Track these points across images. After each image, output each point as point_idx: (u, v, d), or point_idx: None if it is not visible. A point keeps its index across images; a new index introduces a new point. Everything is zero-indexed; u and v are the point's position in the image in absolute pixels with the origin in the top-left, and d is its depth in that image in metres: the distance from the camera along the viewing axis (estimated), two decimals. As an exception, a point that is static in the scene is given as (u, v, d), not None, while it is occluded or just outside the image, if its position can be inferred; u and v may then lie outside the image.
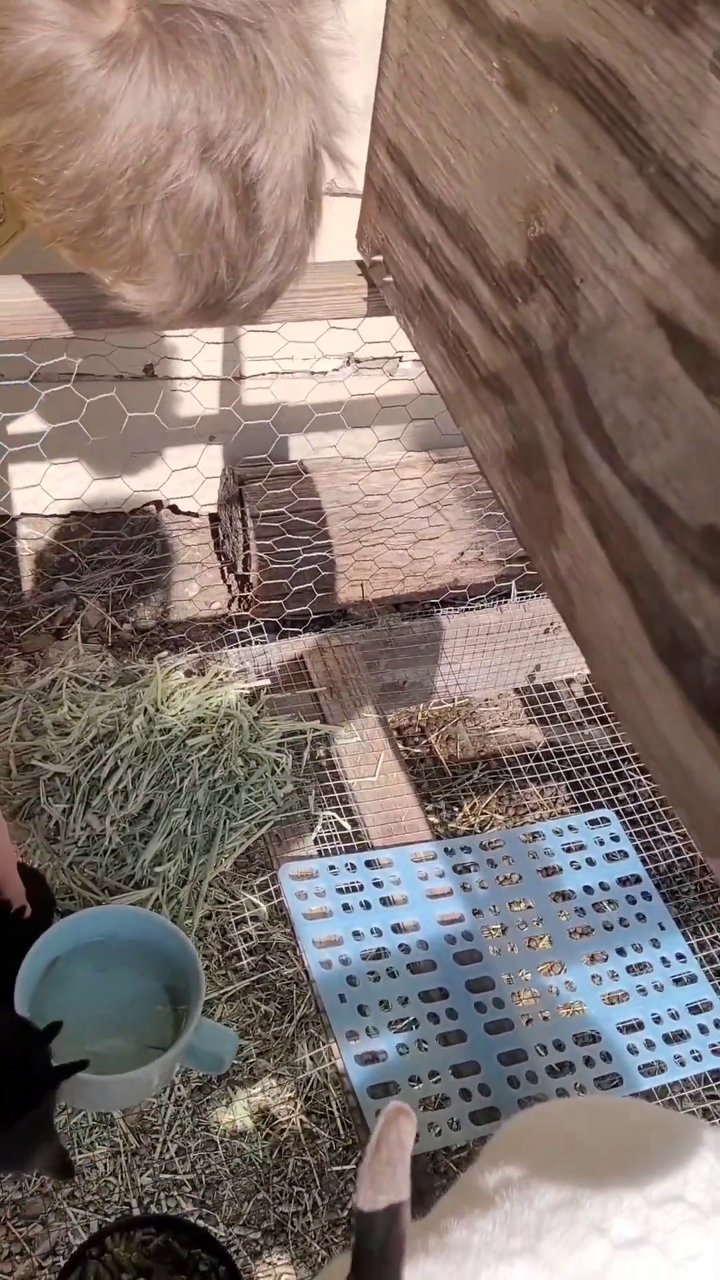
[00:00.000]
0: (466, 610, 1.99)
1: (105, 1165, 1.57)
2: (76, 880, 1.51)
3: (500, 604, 2.02)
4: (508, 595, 2.05)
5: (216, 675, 1.72)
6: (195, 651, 1.84)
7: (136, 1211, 1.48)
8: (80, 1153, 1.59)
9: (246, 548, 2.24)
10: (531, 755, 2.05)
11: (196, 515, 2.53)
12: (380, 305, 1.27)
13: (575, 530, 0.91)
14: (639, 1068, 1.47)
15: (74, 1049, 1.32)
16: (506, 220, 0.93)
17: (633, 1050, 1.48)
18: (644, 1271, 0.97)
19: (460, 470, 2.31)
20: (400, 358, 2.36)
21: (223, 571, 2.46)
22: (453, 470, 2.31)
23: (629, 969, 1.59)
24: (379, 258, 1.21)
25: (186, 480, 2.14)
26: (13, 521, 2.40)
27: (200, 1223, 1.35)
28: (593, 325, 0.84)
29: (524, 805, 2.13)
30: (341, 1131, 1.64)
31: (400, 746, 1.87)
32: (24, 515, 2.40)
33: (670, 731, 0.82)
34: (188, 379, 2.22)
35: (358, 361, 2.35)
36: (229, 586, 2.43)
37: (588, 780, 1.94)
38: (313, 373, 2.34)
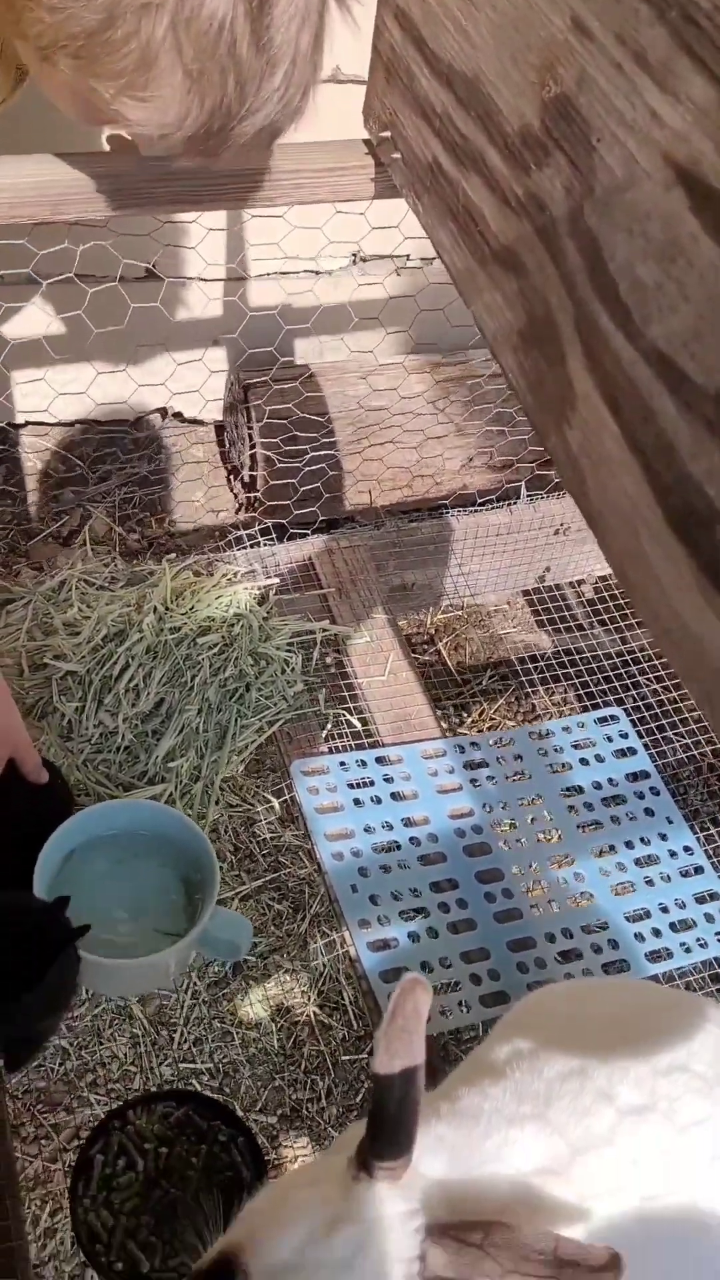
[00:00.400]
0: (475, 511, 1.97)
1: (125, 1055, 1.61)
2: (91, 777, 1.53)
3: (510, 505, 2.00)
4: (517, 496, 2.03)
5: (225, 576, 1.72)
6: (204, 554, 1.83)
7: (158, 1095, 1.52)
8: (101, 1044, 1.63)
9: (252, 453, 2.22)
10: (540, 660, 2.05)
11: (202, 423, 2.50)
12: (388, 186, 1.23)
13: (588, 405, 0.90)
14: (646, 954, 1.50)
15: (90, 938, 1.35)
16: (520, 81, 0.90)
17: (640, 938, 1.51)
18: (649, 1136, 0.99)
19: (468, 373, 2.27)
20: (408, 256, 2.31)
21: (229, 479, 2.44)
22: (460, 373, 2.27)
23: (637, 861, 1.61)
24: (386, 133, 1.17)
25: (190, 387, 2.12)
26: (17, 430, 2.38)
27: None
28: (609, 187, 0.82)
29: (533, 709, 2.14)
30: (354, 1023, 1.68)
31: (412, 656, 1.87)
32: (28, 424, 2.37)
33: (682, 604, 0.82)
34: (191, 278, 2.18)
35: (364, 259, 2.30)
36: (235, 494, 2.41)
37: (597, 682, 1.95)
38: (317, 272, 2.29)
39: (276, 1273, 0.83)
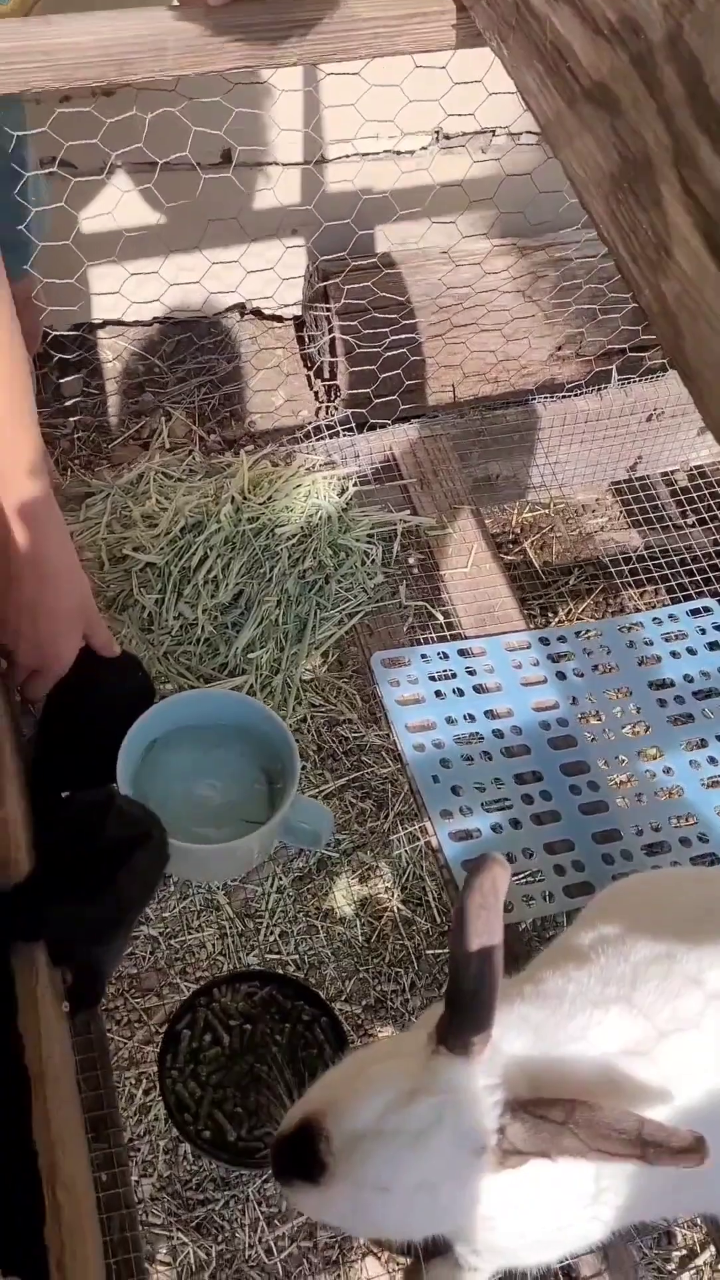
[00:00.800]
0: (563, 398, 1.90)
1: (213, 945, 1.64)
2: (172, 669, 1.53)
3: (600, 390, 1.92)
4: (608, 382, 1.94)
5: (303, 466, 1.69)
6: (281, 444, 1.80)
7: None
8: (189, 933, 1.67)
9: (333, 346, 2.16)
10: (631, 558, 1.98)
11: (280, 319, 2.44)
12: (470, 34, 1.16)
13: (686, 250, 0.83)
14: (736, 848, 1.46)
15: (175, 826, 1.36)
16: None
17: (730, 832, 1.47)
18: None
19: (554, 256, 2.17)
20: (493, 132, 2.20)
21: (309, 379, 2.40)
22: (547, 256, 2.17)
23: (728, 755, 1.57)
24: (468, -29, 1.09)
25: (268, 281, 2.06)
26: (95, 330, 2.36)
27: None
28: (713, -3, 0.74)
29: (623, 609, 2.08)
30: (438, 918, 1.68)
31: (496, 551, 1.82)
32: (105, 324, 2.35)
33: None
34: (267, 163, 2.11)
35: (446, 137, 2.20)
36: (315, 394, 2.37)
37: (695, 583, 1.87)
38: (398, 152, 2.20)
39: (357, 1138, 0.85)
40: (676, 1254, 1.45)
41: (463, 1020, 0.85)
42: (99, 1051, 1.31)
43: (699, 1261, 1.43)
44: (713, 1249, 1.41)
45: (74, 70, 1.09)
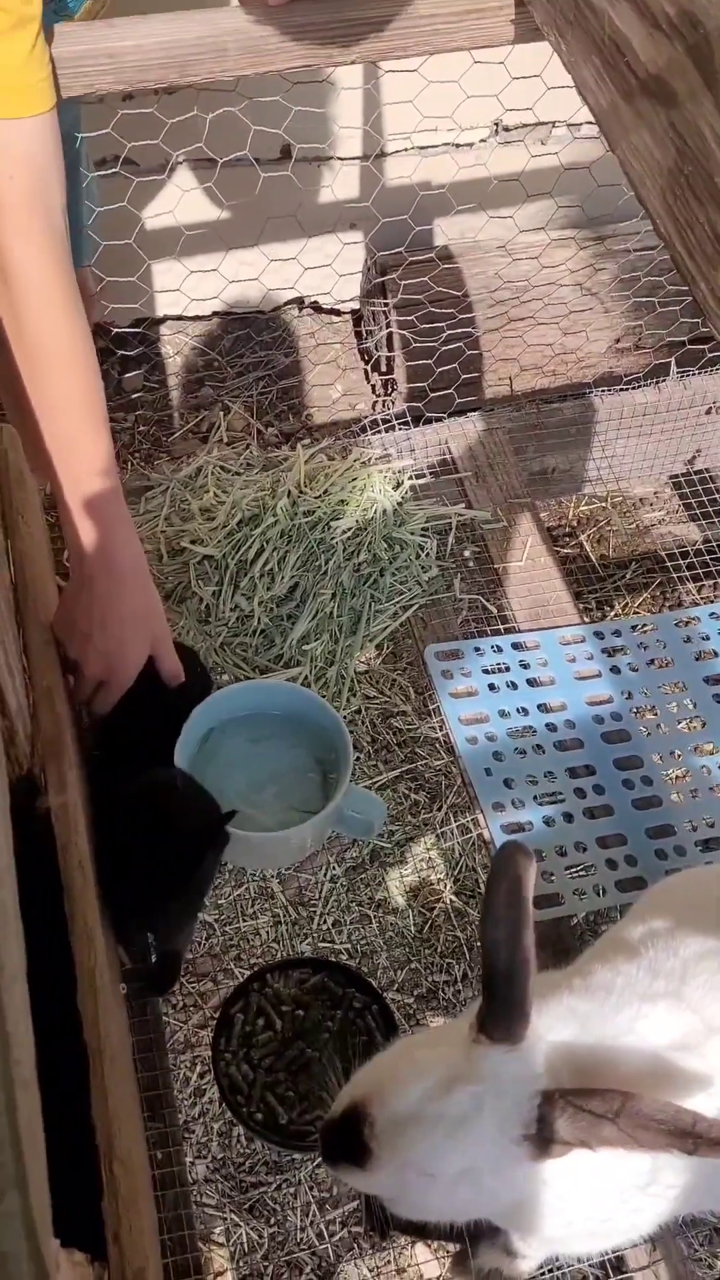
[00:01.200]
0: (621, 390, 1.88)
1: (267, 933, 1.67)
2: (228, 660, 1.55)
3: (658, 382, 1.90)
4: (666, 374, 1.93)
5: (358, 460, 1.70)
6: (338, 438, 1.81)
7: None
8: (244, 920, 1.69)
9: (389, 341, 2.17)
10: (689, 552, 1.97)
11: (338, 313, 2.46)
12: (528, 29, 1.16)
13: (743, 245, 0.83)
14: None
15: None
16: None
17: (785, 829, 1.46)
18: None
19: (613, 249, 2.15)
20: (553, 124, 2.19)
21: (366, 373, 2.41)
22: (606, 247, 2.16)
23: (785, 752, 1.55)
24: (527, -34, 1.09)
25: (326, 276, 2.08)
26: (156, 325, 2.39)
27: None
28: (771, -11, 0.74)
29: (679, 604, 2.06)
30: (489, 910, 1.69)
31: (551, 545, 1.82)
32: (166, 319, 2.38)
33: None
34: (326, 157, 2.12)
35: (505, 129, 2.19)
36: (373, 388, 2.38)
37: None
38: (457, 145, 2.20)
39: (399, 1123, 0.86)
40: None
41: (499, 1007, 0.86)
42: (155, 1034, 1.34)
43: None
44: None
45: (137, 73, 1.11)
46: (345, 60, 1.15)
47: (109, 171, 1.55)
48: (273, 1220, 1.47)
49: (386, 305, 2.15)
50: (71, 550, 1.16)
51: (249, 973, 1.44)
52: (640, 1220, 1.00)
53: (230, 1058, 1.26)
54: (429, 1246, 1.42)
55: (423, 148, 2.17)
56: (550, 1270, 1.27)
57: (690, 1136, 0.79)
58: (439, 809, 1.74)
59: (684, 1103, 0.83)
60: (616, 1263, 1.24)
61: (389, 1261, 1.46)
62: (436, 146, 2.18)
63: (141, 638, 1.20)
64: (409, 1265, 1.44)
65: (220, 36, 1.10)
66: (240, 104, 1.37)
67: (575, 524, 2.26)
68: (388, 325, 2.15)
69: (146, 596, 1.20)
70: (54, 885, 1.09)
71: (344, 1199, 1.48)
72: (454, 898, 1.70)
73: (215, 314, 2.38)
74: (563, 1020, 0.93)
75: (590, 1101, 0.82)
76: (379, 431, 1.84)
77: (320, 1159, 1.02)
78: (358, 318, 2.42)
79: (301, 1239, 1.47)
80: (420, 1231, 1.06)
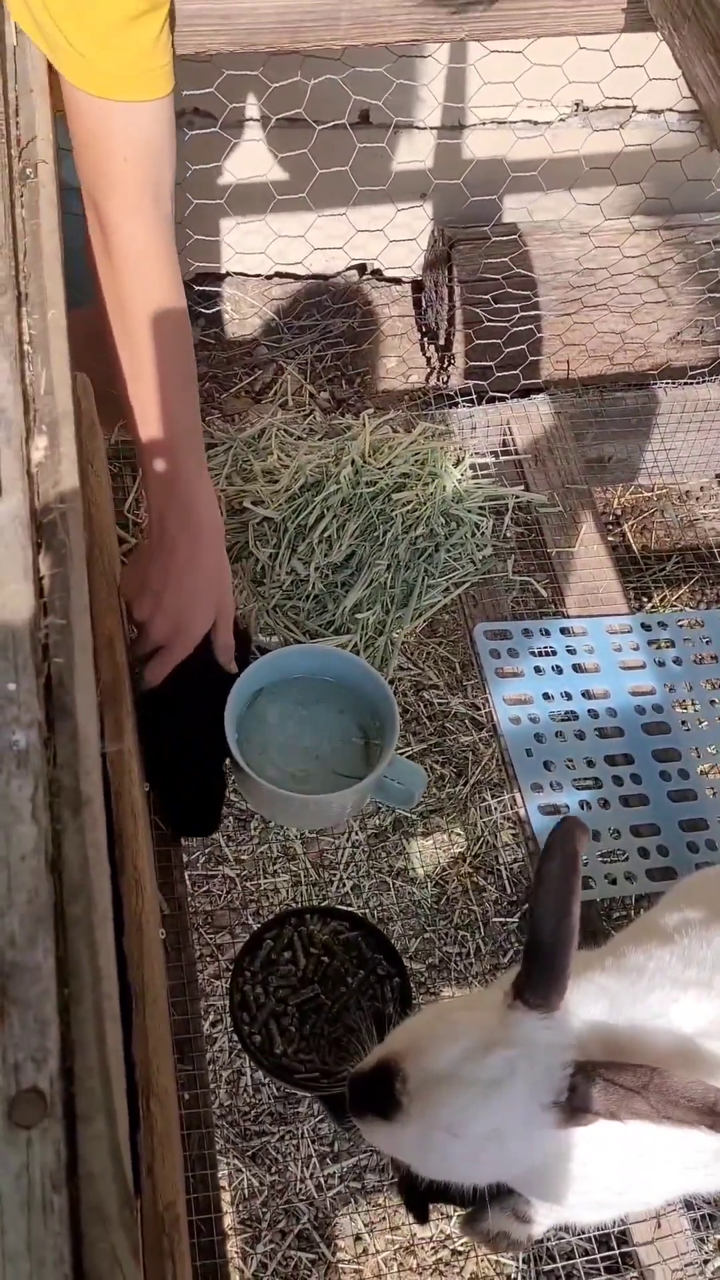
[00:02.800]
0: (685, 385, 1.89)
1: (286, 891, 1.70)
2: (280, 622, 1.58)
3: (722, 380, 1.91)
4: (731, 372, 1.93)
5: (423, 433, 1.71)
6: (403, 410, 1.82)
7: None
8: (265, 878, 1.73)
9: (451, 315, 2.17)
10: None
11: (400, 282, 2.45)
12: (640, 18, 1.16)
13: None
14: None
15: (275, 771, 1.41)
16: None
17: None
18: None
19: (688, 240, 2.15)
20: (634, 107, 2.18)
21: (423, 344, 2.41)
22: (680, 239, 2.15)
23: None
24: (646, -44, 1.09)
25: (393, 244, 2.07)
26: (218, 281, 2.39)
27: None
28: None
29: (719, 600, 2.07)
30: (508, 888, 1.72)
31: (605, 533, 1.83)
32: (228, 274, 2.38)
33: None
34: (406, 125, 2.11)
35: (586, 110, 2.18)
36: (428, 359, 2.38)
37: None
38: (536, 123, 2.18)
39: (432, 1081, 0.89)
40: (717, 1236, 1.49)
41: (539, 975, 0.88)
42: (187, 979, 1.38)
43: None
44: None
45: (249, 35, 1.12)
46: (455, 37, 1.15)
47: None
48: (274, 1169, 1.51)
49: (450, 279, 2.15)
50: (154, 509, 1.16)
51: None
52: (651, 1194, 1.03)
53: (250, 976, 1.29)
54: (438, 1212, 1.46)
55: (500, 122, 2.16)
56: (558, 1238, 1.31)
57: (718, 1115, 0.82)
58: (465, 785, 1.76)
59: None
60: (621, 1236, 1.28)
61: (384, 1218, 1.50)
62: (513, 123, 2.16)
63: (210, 602, 1.20)
64: (403, 1223, 1.48)
65: (334, 6, 1.10)
66: (343, 73, 1.37)
67: (620, 513, 2.27)
68: (450, 299, 2.15)
69: (221, 562, 1.20)
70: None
71: (344, 1155, 1.53)
72: (473, 873, 1.73)
73: (277, 274, 2.39)
74: (593, 997, 0.95)
75: (622, 1074, 0.84)
76: (444, 407, 1.85)
77: (318, 1107, 1.04)
78: (418, 288, 2.42)
79: (300, 1189, 1.52)
80: (442, 1195, 1.09)
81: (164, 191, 1.04)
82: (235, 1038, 1.35)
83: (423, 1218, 1.09)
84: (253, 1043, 1.25)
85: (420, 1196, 1.07)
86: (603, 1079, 0.85)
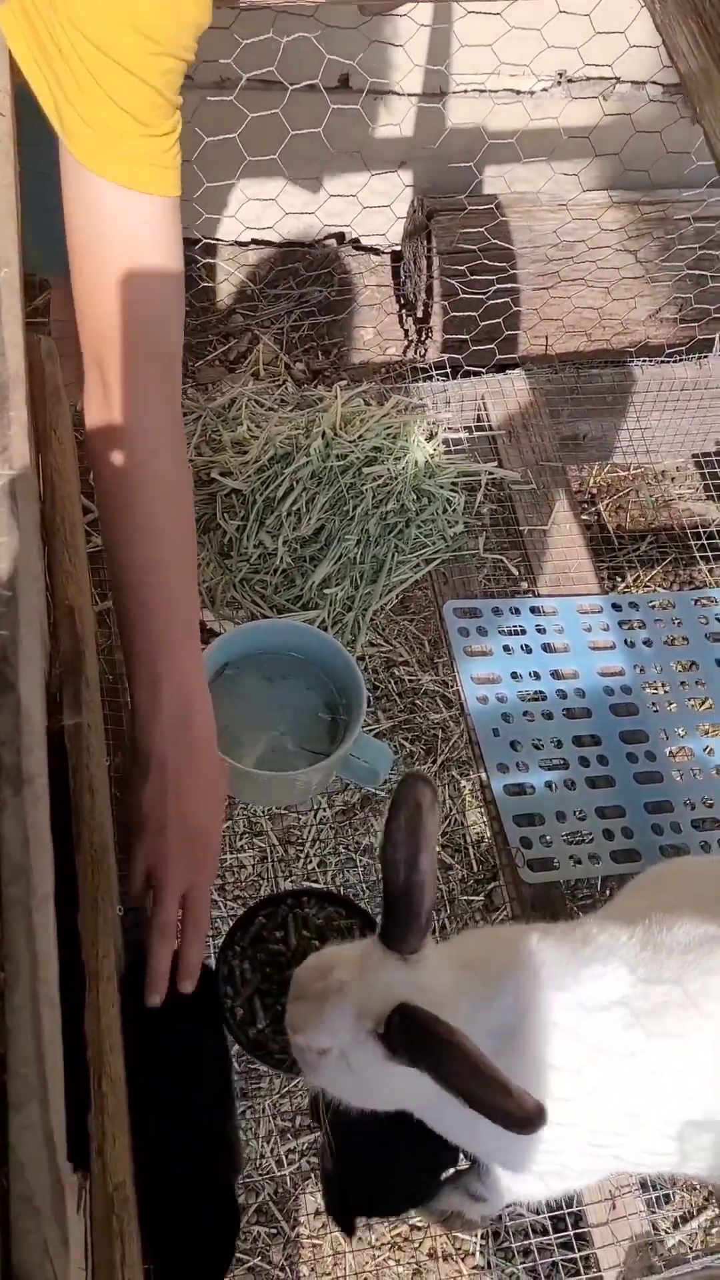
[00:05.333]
0: (662, 363, 1.87)
1: (253, 867, 1.69)
2: (247, 596, 1.55)
3: (700, 359, 1.89)
4: (709, 350, 1.91)
5: (395, 407, 1.69)
6: (375, 383, 1.79)
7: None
8: (232, 853, 1.71)
9: (429, 286, 2.14)
10: (706, 532, 1.97)
11: (379, 252, 2.42)
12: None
13: None
14: (786, 833, 1.47)
15: (240, 747, 1.40)
16: None
17: (783, 816, 1.48)
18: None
19: (667, 215, 2.12)
20: (617, 78, 2.14)
21: (400, 316, 2.37)
22: (660, 214, 2.12)
23: (789, 740, 1.57)
24: None
25: (371, 212, 2.03)
26: (191, 246, 2.35)
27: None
28: None
29: (692, 582, 2.06)
30: (474, 865, 1.71)
31: (579, 512, 1.81)
32: (202, 240, 2.34)
33: None
34: (384, 91, 2.07)
35: (569, 80, 2.14)
36: (406, 332, 2.35)
37: (766, 563, 1.85)
38: (518, 91, 2.15)
39: (290, 1000, 0.96)
40: (673, 1214, 1.50)
41: (394, 919, 0.91)
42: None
43: (693, 1225, 1.47)
44: (710, 1213, 1.45)
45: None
46: (432, -4, 1.11)
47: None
48: (234, 1144, 1.51)
49: (429, 250, 2.12)
50: (141, 722, 1.01)
51: (232, 905, 1.45)
52: (597, 1166, 1.03)
53: (239, 950, 1.27)
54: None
55: (481, 91, 2.12)
56: (516, 1217, 1.32)
57: (499, 1091, 0.80)
58: (434, 762, 1.75)
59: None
60: (575, 1219, 1.28)
61: (347, 1193, 1.50)
62: (496, 92, 2.13)
63: (221, 807, 1.06)
64: (365, 1199, 1.49)
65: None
66: (316, 30, 1.34)
67: (595, 492, 2.25)
68: (429, 271, 2.11)
69: (218, 768, 1.05)
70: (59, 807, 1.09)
71: (304, 1132, 1.52)
72: (440, 850, 1.72)
73: (253, 241, 2.34)
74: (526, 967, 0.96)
75: (435, 1026, 0.85)
76: (417, 380, 1.82)
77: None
78: (397, 259, 2.39)
79: (261, 1165, 1.51)
80: (368, 1206, 1.09)
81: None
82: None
83: (349, 1229, 1.07)
84: (234, 1016, 1.23)
85: (348, 1209, 1.07)
86: (414, 1021, 0.86)
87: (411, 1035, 0.86)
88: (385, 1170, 1.04)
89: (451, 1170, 1.12)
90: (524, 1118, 0.79)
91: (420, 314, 2.21)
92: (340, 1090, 0.96)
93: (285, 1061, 1.13)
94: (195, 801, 1.01)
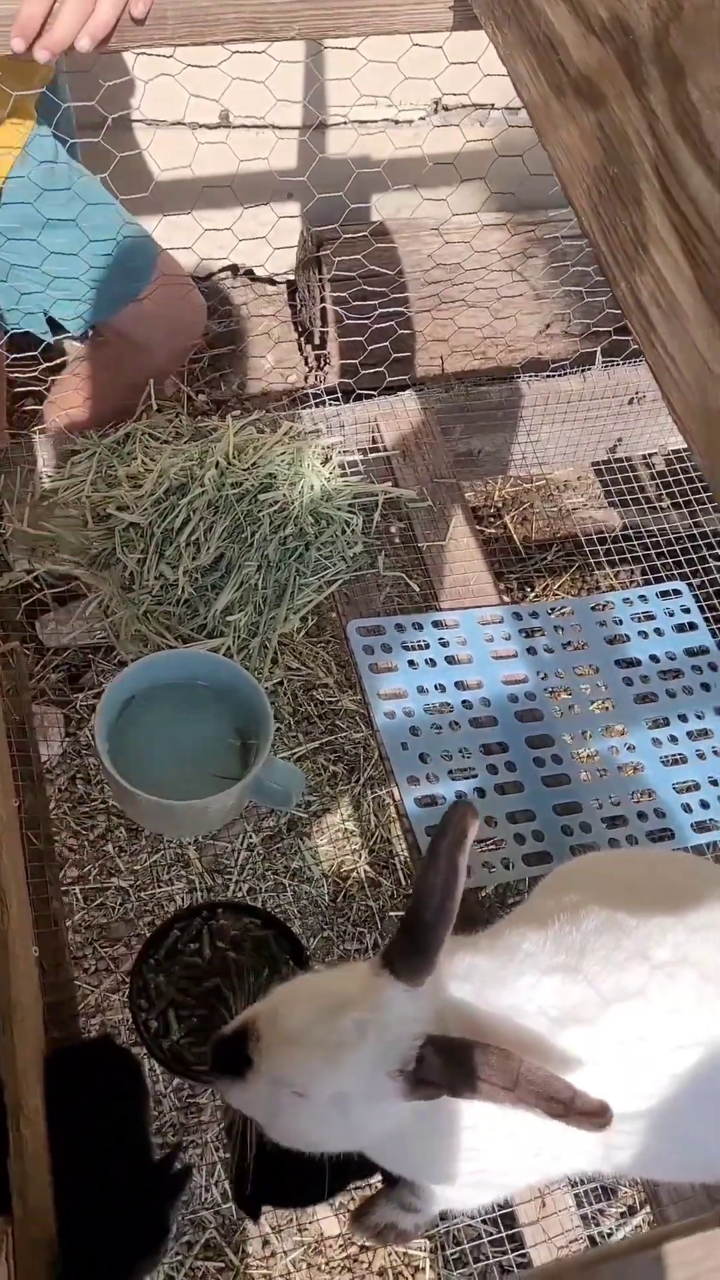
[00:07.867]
0: (548, 377, 1.92)
1: (182, 899, 1.69)
2: (151, 628, 1.56)
3: (584, 371, 1.95)
4: (592, 363, 1.97)
5: (287, 433, 1.71)
6: (268, 410, 1.82)
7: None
8: (159, 886, 1.71)
9: (324, 314, 2.18)
10: (608, 538, 2.02)
11: (273, 282, 2.45)
12: (467, 17, 1.17)
13: (662, 250, 0.86)
14: (691, 824, 1.51)
15: (149, 779, 1.40)
16: None
17: (687, 809, 1.52)
18: (681, 990, 1.02)
19: (547, 233, 2.19)
20: (491, 106, 2.21)
21: (299, 344, 2.41)
22: (539, 233, 2.19)
23: (690, 734, 1.61)
24: (468, -44, 1.11)
25: (261, 246, 2.07)
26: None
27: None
28: (699, 4, 0.77)
29: (598, 587, 2.11)
30: (403, 881, 1.73)
31: (475, 526, 1.85)
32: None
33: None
34: (264, 126, 2.10)
35: (445, 109, 2.20)
36: (305, 357, 2.38)
37: (666, 566, 1.90)
38: (396, 121, 2.20)
39: (283, 1040, 0.89)
40: (616, 1209, 1.52)
41: (411, 948, 0.88)
42: (65, 997, 1.36)
43: (637, 1220, 1.50)
44: (650, 1209, 1.47)
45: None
46: (285, 36, 1.15)
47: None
48: (178, 1180, 1.50)
49: (321, 279, 2.15)
50: None
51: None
52: (525, 1175, 1.04)
53: (154, 964, 1.27)
54: (339, 1219, 1.46)
55: (361, 122, 2.17)
56: (464, 1222, 1.33)
57: (555, 1101, 0.82)
58: (357, 781, 1.77)
59: (570, 1072, 0.86)
60: (507, 1219, 1.30)
61: (291, 1219, 1.50)
62: (375, 122, 2.18)
63: None
64: (310, 1223, 1.48)
65: (161, 5, 1.09)
66: (178, 70, 1.37)
67: (500, 505, 2.30)
68: (322, 299, 2.15)
69: None
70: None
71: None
72: (368, 869, 1.74)
73: (149, 279, 2.36)
74: (462, 978, 0.95)
75: (469, 1052, 0.84)
76: (309, 406, 1.85)
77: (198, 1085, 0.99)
78: (293, 289, 2.42)
79: (205, 1198, 1.51)
80: (271, 1196, 1.09)
81: None
82: (134, 1040, 1.33)
83: (254, 1215, 1.08)
84: (149, 1028, 1.23)
85: (251, 1195, 1.07)
86: (448, 1052, 0.85)
87: (450, 1067, 0.84)
88: (292, 1161, 1.03)
89: (376, 1179, 1.13)
90: (593, 1112, 0.81)
91: (317, 341, 2.25)
92: (298, 1132, 0.92)
93: (202, 1072, 1.13)
94: None
